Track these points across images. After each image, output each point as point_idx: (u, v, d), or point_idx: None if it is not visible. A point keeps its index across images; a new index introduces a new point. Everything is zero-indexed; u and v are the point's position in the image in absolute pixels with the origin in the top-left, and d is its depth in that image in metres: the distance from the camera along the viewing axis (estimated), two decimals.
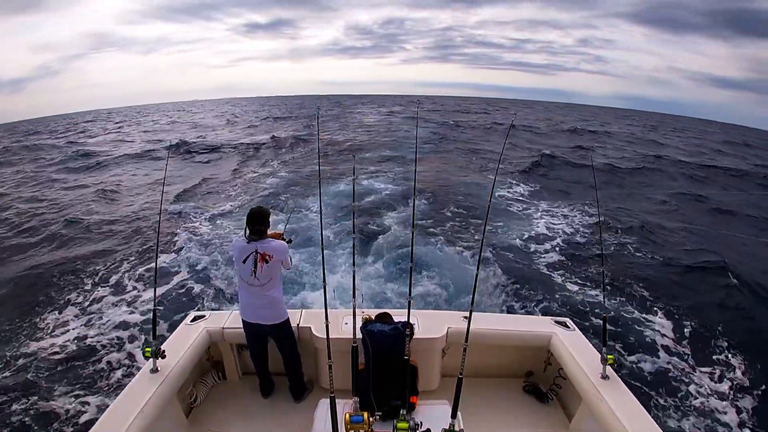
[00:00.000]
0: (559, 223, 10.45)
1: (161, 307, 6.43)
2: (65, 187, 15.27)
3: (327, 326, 2.46)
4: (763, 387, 5.03)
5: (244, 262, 3.00)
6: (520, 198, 12.78)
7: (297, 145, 22.96)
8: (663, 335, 6.02)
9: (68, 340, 5.76)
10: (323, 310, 2.58)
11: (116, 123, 48.89)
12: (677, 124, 70.42)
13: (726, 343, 5.84)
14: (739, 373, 5.30)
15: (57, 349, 5.56)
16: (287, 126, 34.73)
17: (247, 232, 3.04)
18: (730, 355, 5.62)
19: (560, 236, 9.60)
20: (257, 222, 3.01)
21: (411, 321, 2.72)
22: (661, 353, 5.65)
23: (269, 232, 3.13)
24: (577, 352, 3.07)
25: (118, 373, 5.10)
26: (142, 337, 5.77)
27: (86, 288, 7.26)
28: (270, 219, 3.11)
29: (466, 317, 2.42)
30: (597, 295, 6.90)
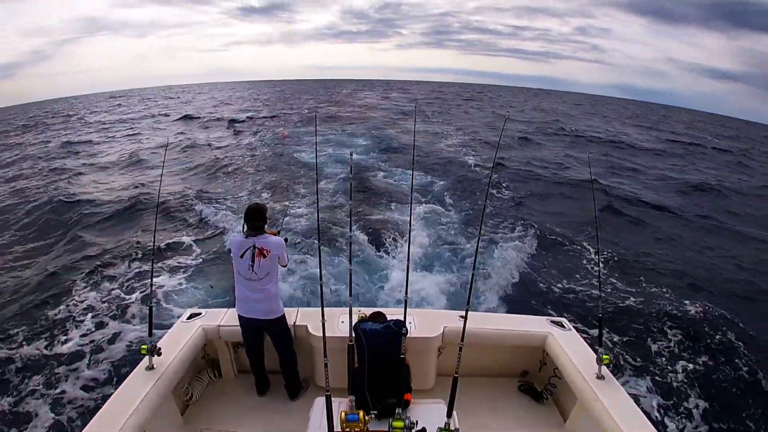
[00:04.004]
0: (554, 222, 10.47)
1: (157, 304, 6.41)
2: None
3: (323, 324, 2.46)
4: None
5: (241, 256, 3.03)
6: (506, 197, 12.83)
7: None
8: (661, 334, 6.06)
9: (62, 338, 5.73)
10: (319, 308, 2.58)
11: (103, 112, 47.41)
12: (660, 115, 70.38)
13: (723, 337, 5.89)
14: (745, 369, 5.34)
15: (50, 347, 5.53)
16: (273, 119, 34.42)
17: (245, 228, 3.08)
18: (730, 352, 5.66)
19: (556, 234, 9.63)
20: (255, 218, 3.05)
21: (407, 320, 2.72)
22: (659, 352, 5.68)
23: (265, 230, 3.15)
24: (572, 351, 3.08)
25: (114, 371, 5.08)
26: (138, 334, 5.74)
27: (80, 284, 7.22)
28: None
29: (462, 317, 2.43)
30: (593, 295, 6.92)
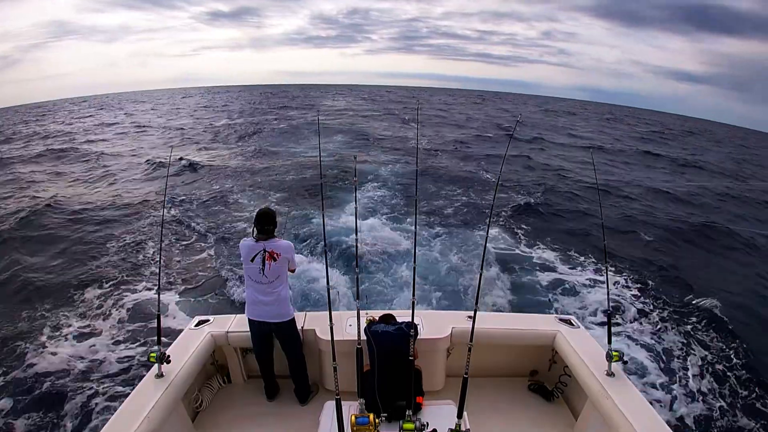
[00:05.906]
0: (555, 222, 10.44)
1: (165, 312, 6.44)
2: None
3: (331, 328, 2.45)
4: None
5: (252, 260, 3.07)
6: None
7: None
8: (670, 330, 6.00)
9: (70, 347, 5.75)
10: (327, 312, 2.58)
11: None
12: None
13: (735, 333, 5.83)
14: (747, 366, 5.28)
15: (59, 356, 5.56)
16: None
17: (255, 232, 3.13)
18: (743, 349, 5.60)
19: (559, 234, 9.58)
20: (265, 222, 3.10)
21: (415, 321, 2.72)
22: (670, 348, 5.63)
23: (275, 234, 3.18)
24: (582, 349, 3.06)
25: (123, 379, 5.10)
26: (147, 342, 5.77)
27: (88, 291, 7.25)
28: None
29: (470, 317, 2.42)
30: (601, 292, 6.88)
